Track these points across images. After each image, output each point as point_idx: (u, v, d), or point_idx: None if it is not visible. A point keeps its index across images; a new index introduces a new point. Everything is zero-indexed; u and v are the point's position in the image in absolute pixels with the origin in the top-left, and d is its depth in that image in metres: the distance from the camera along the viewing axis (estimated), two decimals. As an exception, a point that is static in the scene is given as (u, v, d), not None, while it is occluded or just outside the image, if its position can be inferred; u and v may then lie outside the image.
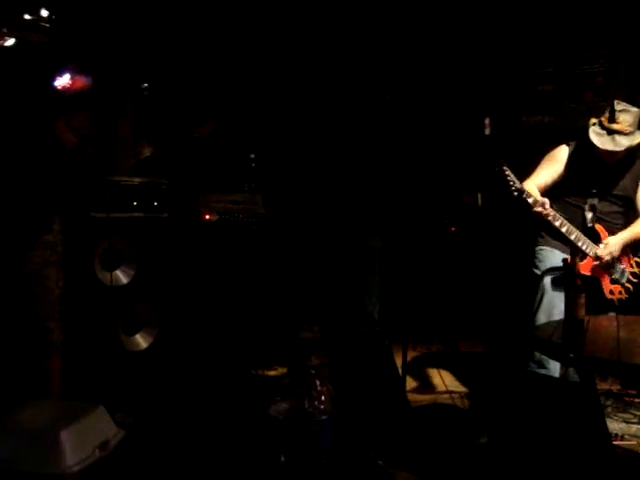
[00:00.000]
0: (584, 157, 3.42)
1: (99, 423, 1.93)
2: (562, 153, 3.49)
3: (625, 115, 3.32)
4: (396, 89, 4.80)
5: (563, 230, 3.23)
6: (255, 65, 5.14)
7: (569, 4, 4.75)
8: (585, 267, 3.26)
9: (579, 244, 3.24)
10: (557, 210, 3.31)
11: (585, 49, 4.77)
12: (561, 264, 3.30)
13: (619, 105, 3.35)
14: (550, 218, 3.19)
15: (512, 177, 3.07)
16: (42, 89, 2.90)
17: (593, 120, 3.42)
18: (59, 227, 2.95)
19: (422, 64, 5.08)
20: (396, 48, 5.09)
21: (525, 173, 3.61)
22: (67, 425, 1.80)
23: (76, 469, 1.73)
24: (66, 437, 1.75)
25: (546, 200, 3.18)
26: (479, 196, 4.77)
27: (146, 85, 4.26)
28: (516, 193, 3.06)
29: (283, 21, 5.17)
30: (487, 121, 5.00)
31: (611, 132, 3.33)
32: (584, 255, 3.26)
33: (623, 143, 3.30)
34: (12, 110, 2.79)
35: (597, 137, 3.34)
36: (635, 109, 3.35)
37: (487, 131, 5.00)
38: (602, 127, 3.36)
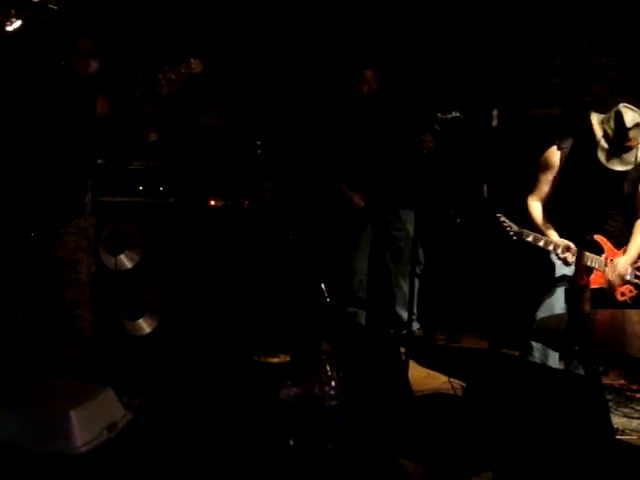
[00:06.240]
0: (581, 162, 3.33)
1: (108, 405, 1.94)
2: (555, 158, 3.44)
3: (636, 131, 3.16)
4: (403, 78, 4.79)
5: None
6: (262, 50, 5.13)
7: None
8: (595, 281, 3.26)
9: (588, 263, 3.25)
10: (555, 223, 3.38)
11: (596, 42, 4.74)
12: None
13: (630, 116, 3.16)
14: (551, 247, 3.27)
15: (508, 222, 3.23)
16: (59, 71, 2.84)
17: (599, 133, 3.23)
18: (90, 210, 2.92)
19: (431, 55, 5.06)
20: (406, 38, 5.08)
21: (532, 166, 3.62)
22: (77, 405, 1.81)
23: (84, 450, 1.74)
24: (75, 417, 1.76)
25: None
26: (484, 187, 4.76)
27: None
28: (515, 237, 3.22)
29: (291, 7, 5.15)
30: (495, 112, 4.99)
31: (620, 150, 3.20)
32: (591, 270, 3.27)
33: (631, 160, 3.21)
34: (49, 94, 2.75)
35: (603, 155, 3.22)
36: None
37: (494, 123, 4.99)
38: (608, 142, 3.21)
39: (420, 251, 4.35)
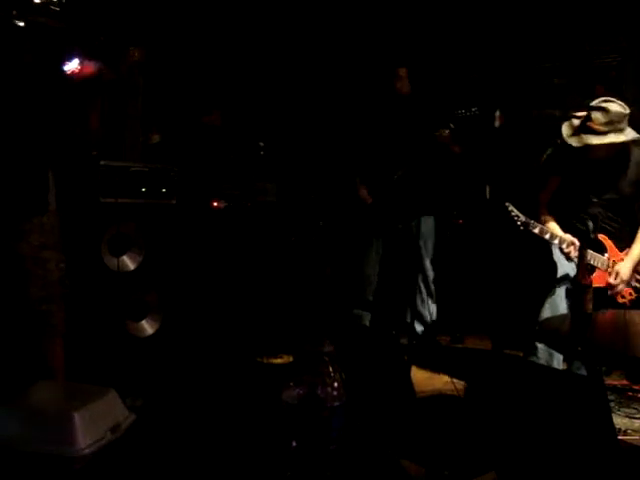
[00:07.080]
0: (577, 160, 3.33)
1: (111, 406, 1.94)
2: (554, 157, 3.48)
3: (598, 113, 3.14)
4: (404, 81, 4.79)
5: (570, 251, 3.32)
6: (265, 52, 5.14)
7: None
8: (596, 280, 3.26)
9: (590, 262, 3.25)
10: (558, 223, 3.39)
11: (598, 43, 4.74)
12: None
13: (598, 101, 3.17)
14: (556, 242, 3.30)
15: (516, 212, 3.25)
16: (50, 72, 2.89)
17: (578, 113, 3.27)
18: (55, 208, 2.93)
19: (433, 56, 5.06)
20: (408, 39, 5.08)
21: (534, 167, 3.63)
22: (80, 407, 1.81)
23: (88, 451, 1.74)
24: (79, 419, 1.77)
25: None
26: (487, 189, 4.75)
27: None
28: (522, 227, 3.26)
29: (294, 9, 5.16)
30: (497, 113, 4.98)
31: (581, 129, 3.20)
32: (593, 269, 3.27)
33: (587, 141, 3.17)
34: (16, 92, 2.78)
35: (566, 129, 3.26)
36: (616, 109, 3.15)
37: (497, 123, 4.99)
38: (577, 120, 3.24)
39: (428, 263, 4.36)
